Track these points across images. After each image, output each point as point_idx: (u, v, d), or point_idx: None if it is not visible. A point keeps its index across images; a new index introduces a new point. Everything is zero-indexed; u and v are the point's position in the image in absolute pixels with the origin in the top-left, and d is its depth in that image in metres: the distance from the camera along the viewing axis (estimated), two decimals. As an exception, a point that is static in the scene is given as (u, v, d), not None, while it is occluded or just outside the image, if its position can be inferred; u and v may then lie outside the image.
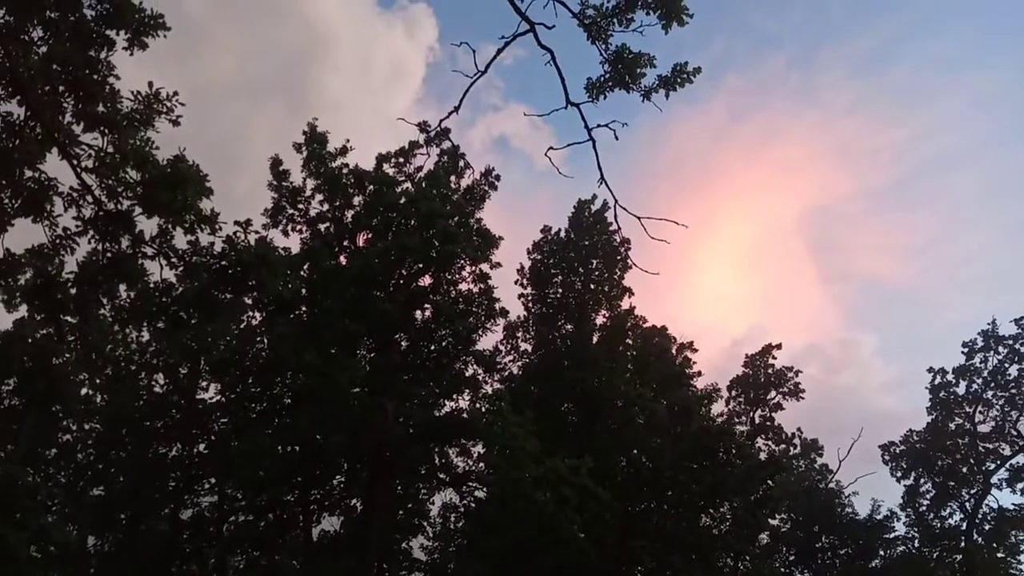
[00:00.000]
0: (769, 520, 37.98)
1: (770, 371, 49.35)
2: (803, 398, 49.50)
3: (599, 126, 10.37)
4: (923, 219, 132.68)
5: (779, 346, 49.60)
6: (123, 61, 12.33)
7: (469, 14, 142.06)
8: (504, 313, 33.70)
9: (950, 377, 48.61)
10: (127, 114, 12.70)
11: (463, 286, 32.95)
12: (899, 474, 49.62)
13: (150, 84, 12.86)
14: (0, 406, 33.65)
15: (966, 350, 47.91)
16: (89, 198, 12.76)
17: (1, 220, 12.75)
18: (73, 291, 13.38)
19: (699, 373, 40.99)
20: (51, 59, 12.13)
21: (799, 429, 51.69)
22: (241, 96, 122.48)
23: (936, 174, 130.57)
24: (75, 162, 12.42)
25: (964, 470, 47.51)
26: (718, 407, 44.78)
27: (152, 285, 13.51)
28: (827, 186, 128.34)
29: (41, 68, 12.06)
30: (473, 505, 34.47)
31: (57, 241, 13.09)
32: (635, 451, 36.17)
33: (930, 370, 49.46)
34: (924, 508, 48.36)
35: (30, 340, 32.08)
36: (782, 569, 48.83)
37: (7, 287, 13.14)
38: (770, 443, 48.88)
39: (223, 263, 13.33)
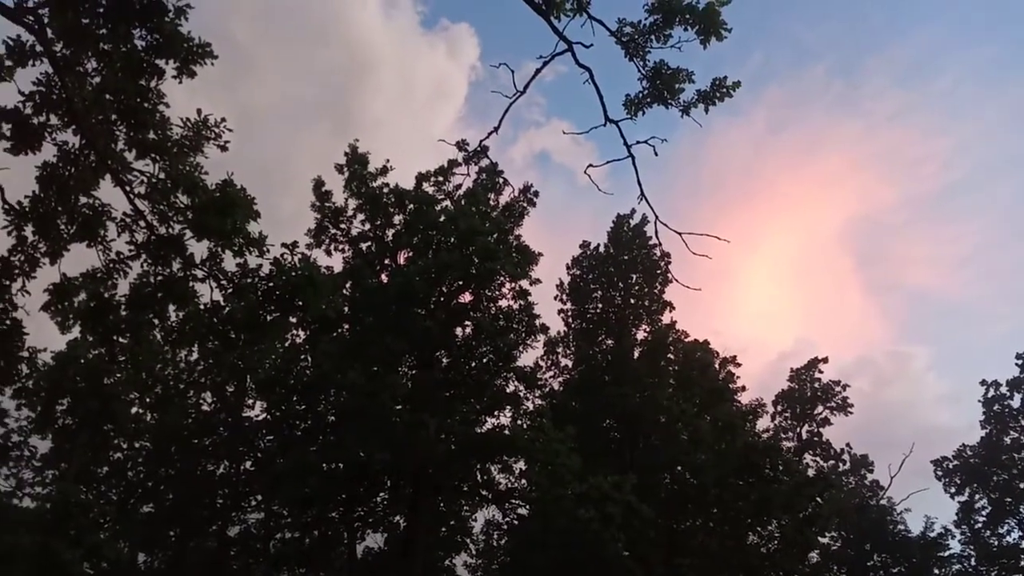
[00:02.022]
0: (819, 538, 37.15)
1: (817, 385, 48.59)
2: (851, 413, 48.71)
3: (638, 142, 10.33)
4: (970, 229, 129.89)
5: (825, 360, 48.96)
6: (173, 89, 12.68)
7: (511, 32, 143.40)
8: (544, 329, 33.61)
9: (1004, 390, 47.35)
10: (177, 141, 13.06)
11: (503, 302, 33.03)
12: (953, 490, 48.38)
13: (199, 111, 13.24)
14: (54, 425, 34.59)
15: (1020, 362, 46.68)
16: (141, 223, 13.09)
17: (58, 245, 13.14)
18: (125, 313, 13.71)
19: (743, 388, 40.61)
20: (104, 89, 12.50)
21: (848, 444, 50.80)
22: (286, 118, 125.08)
23: (982, 183, 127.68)
24: (128, 188, 12.76)
25: (1022, 486, 46.05)
26: (764, 422, 44.21)
27: (202, 307, 13.79)
28: (871, 196, 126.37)
29: (95, 98, 12.44)
30: (516, 522, 34.34)
31: (111, 265, 13.43)
32: (679, 468, 35.74)
33: (983, 383, 48.25)
34: (980, 525, 46.97)
35: (83, 361, 33.04)
36: (832, 588, 47.67)
37: (62, 310, 13.48)
38: (818, 459, 48.05)
39: (271, 284, 13.55)
